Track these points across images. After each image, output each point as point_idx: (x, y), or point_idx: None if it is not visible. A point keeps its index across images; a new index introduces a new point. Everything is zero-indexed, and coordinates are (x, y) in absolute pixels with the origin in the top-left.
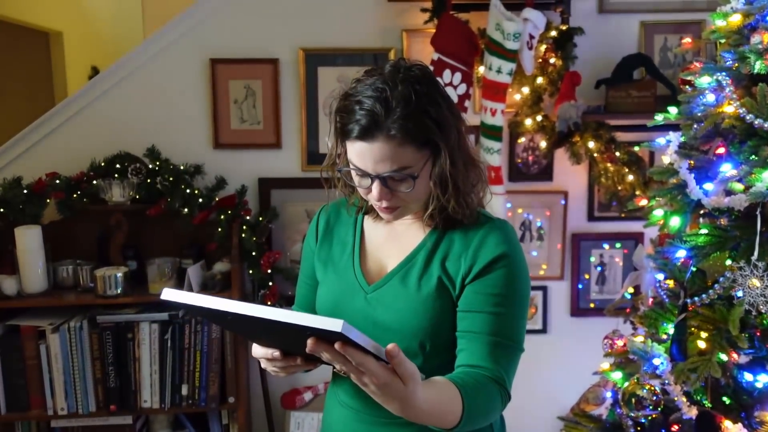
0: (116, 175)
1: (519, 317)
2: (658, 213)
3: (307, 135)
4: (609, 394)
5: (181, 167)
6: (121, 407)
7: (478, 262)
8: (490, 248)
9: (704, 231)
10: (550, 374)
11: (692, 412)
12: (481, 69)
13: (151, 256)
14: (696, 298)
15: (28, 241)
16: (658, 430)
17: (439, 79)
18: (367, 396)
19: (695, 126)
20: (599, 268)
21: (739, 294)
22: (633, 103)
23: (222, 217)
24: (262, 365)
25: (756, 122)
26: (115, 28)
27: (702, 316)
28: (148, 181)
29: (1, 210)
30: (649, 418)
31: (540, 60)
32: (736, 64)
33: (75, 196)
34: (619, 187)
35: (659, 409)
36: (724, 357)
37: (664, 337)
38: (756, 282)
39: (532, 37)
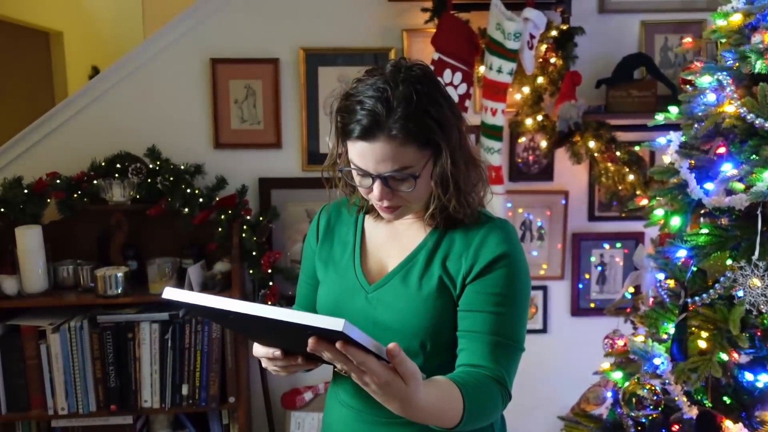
0: (117, 175)
1: (519, 317)
2: (659, 213)
3: (308, 135)
4: (609, 394)
5: (182, 167)
6: (121, 407)
7: (479, 262)
8: (490, 248)
9: (705, 231)
10: (550, 374)
11: (693, 412)
12: (482, 69)
13: (151, 256)
14: (696, 298)
15: (29, 240)
16: (658, 429)
17: (439, 78)
18: (368, 395)
19: (696, 126)
20: (600, 268)
21: (740, 294)
22: (633, 103)
23: (222, 216)
24: (263, 364)
25: (757, 122)
26: (115, 27)
27: (702, 315)
28: (149, 180)
29: (2, 210)
30: (650, 417)
31: (540, 60)
32: (737, 64)
33: (75, 195)
34: (620, 187)
35: (660, 408)
36: (724, 357)
37: (665, 336)
38: (757, 282)
39: (532, 36)
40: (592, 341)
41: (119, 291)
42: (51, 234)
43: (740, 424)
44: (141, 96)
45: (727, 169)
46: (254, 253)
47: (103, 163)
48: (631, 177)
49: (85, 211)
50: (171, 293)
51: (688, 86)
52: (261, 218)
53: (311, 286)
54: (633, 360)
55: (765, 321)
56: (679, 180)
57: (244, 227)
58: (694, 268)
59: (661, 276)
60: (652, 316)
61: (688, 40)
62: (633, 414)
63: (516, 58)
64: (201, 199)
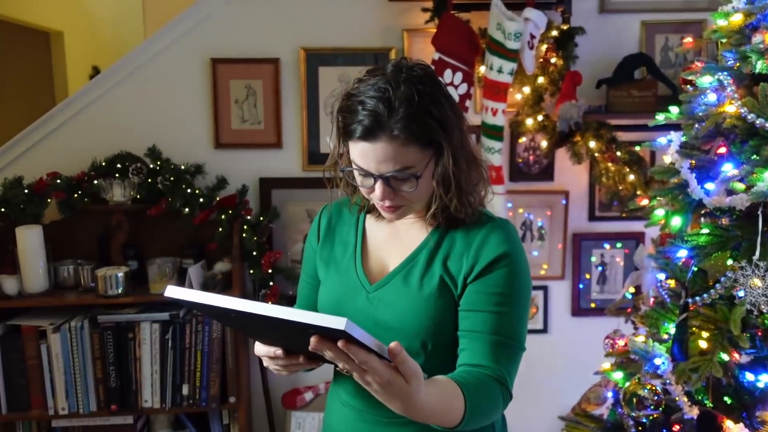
0: (117, 175)
1: (520, 316)
2: (660, 213)
3: (308, 135)
4: (610, 394)
5: (182, 167)
6: (121, 407)
7: (480, 262)
8: (491, 247)
9: (705, 231)
10: (551, 374)
11: (693, 412)
12: (482, 69)
13: (151, 255)
14: (697, 298)
15: (29, 240)
16: (659, 430)
17: (440, 78)
18: (369, 395)
19: (696, 126)
20: (600, 268)
21: (741, 294)
22: (634, 103)
23: (223, 216)
24: (265, 363)
25: (757, 122)
26: (115, 27)
27: (703, 315)
28: (149, 180)
29: (2, 210)
30: (651, 418)
31: (541, 60)
32: (738, 64)
33: (76, 195)
34: (620, 187)
35: (660, 409)
36: (725, 357)
37: (666, 336)
38: (757, 282)
39: (533, 36)
40: (593, 341)
41: (120, 291)
42: (51, 234)
43: (741, 425)
44: (141, 96)
45: (728, 169)
46: (255, 253)
47: (103, 163)
48: (631, 177)
49: (85, 211)
50: (173, 292)
51: (688, 86)
52: (261, 218)
53: (312, 286)
54: (634, 360)
55: (766, 321)
56: (680, 180)
57: (245, 227)
58: (695, 268)
59: (661, 276)
60: (652, 316)
61: (688, 40)
62: (634, 414)
63: (516, 58)
64: (201, 199)
